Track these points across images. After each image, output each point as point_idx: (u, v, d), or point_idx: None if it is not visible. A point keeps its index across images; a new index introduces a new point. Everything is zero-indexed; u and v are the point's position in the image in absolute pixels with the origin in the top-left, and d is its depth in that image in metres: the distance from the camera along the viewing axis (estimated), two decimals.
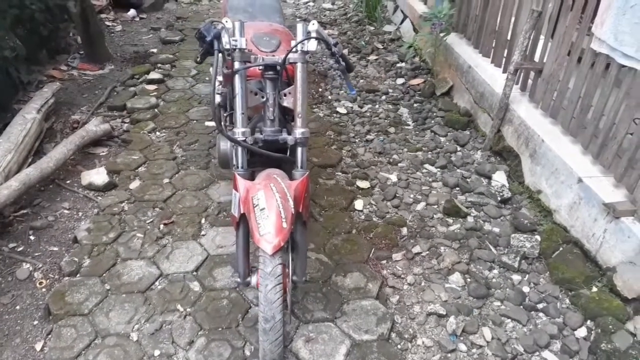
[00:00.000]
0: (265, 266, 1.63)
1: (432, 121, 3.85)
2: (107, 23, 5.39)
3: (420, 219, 2.86)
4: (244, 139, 1.84)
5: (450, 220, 2.87)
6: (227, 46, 1.78)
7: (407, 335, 2.18)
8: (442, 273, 2.51)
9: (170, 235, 2.63)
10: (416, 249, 2.63)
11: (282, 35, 2.31)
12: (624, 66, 2.50)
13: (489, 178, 3.24)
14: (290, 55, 1.82)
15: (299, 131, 1.87)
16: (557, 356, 2.13)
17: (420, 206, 2.96)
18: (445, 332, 2.21)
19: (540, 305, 2.37)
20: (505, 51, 3.66)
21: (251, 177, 1.88)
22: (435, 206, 2.97)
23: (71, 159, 3.14)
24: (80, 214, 2.81)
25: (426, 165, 3.34)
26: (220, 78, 3.02)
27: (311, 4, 6.48)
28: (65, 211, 2.81)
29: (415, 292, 2.40)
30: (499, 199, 3.03)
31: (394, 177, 3.19)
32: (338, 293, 2.34)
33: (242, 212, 1.78)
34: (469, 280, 2.48)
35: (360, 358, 2.03)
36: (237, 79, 1.82)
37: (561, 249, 2.62)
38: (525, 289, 2.45)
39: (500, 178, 3.22)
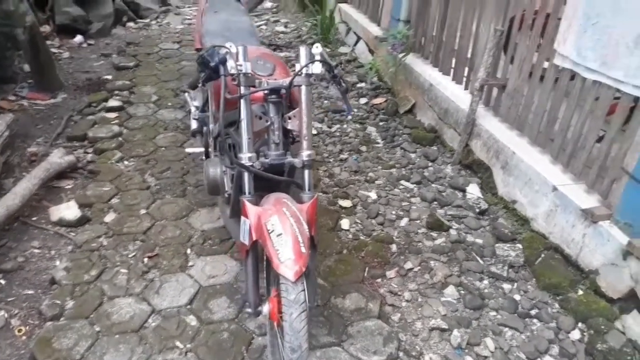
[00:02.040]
0: (288, 294, 1.59)
1: (400, 138, 3.93)
2: (53, 50, 5.14)
3: (406, 234, 2.90)
4: (251, 164, 1.80)
5: (434, 234, 2.92)
6: (233, 71, 1.75)
7: (415, 352, 2.18)
8: (437, 287, 2.54)
9: (156, 268, 2.51)
10: (408, 265, 2.66)
11: (274, 59, 2.29)
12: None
13: (463, 191, 3.34)
14: (296, 79, 1.81)
15: (305, 153, 1.86)
16: (558, 358, 2.20)
17: (404, 222, 3.00)
18: (450, 346, 2.23)
19: (533, 312, 2.45)
20: (466, 69, 3.83)
21: (256, 203, 1.84)
22: (418, 221, 3.02)
23: (34, 194, 2.94)
24: (52, 252, 2.62)
25: (402, 182, 3.40)
26: (196, 103, 2.97)
27: (264, 27, 6.50)
28: (36, 250, 2.62)
29: (414, 308, 2.41)
30: (477, 210, 3.13)
31: (373, 195, 3.22)
32: (340, 315, 2.31)
33: (254, 239, 1.73)
34: (462, 292, 2.53)
35: None
36: (242, 104, 1.78)
37: (543, 255, 2.74)
38: (517, 297, 2.53)
39: (474, 190, 3.32)
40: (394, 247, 2.78)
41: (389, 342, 2.20)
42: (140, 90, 4.40)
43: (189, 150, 2.78)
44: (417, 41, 4.44)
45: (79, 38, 5.48)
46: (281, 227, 1.66)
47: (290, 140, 2.01)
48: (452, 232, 2.95)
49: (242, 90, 1.78)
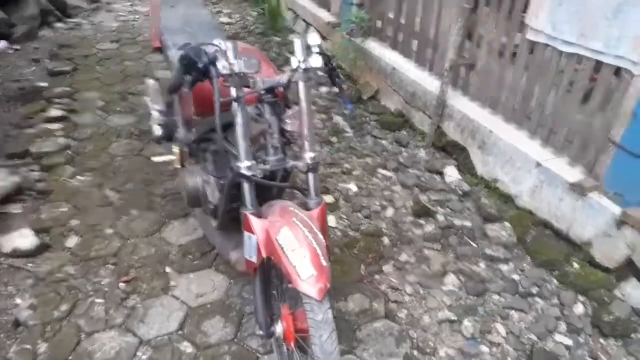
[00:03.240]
0: (314, 314, 1.42)
1: (369, 126, 3.82)
2: None
3: (395, 225, 2.79)
4: (252, 173, 1.61)
5: (422, 222, 2.84)
6: (225, 71, 1.54)
7: (429, 349, 2.08)
8: (436, 277, 2.46)
9: (135, 293, 2.26)
10: (403, 257, 2.56)
11: (256, 54, 2.09)
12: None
13: (441, 174, 3.27)
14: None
15: (308, 156, 1.69)
16: (567, 336, 2.17)
17: (389, 212, 2.90)
18: (462, 337, 2.15)
19: (534, 290, 2.42)
20: (430, 50, 3.75)
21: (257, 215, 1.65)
22: (404, 209, 2.92)
23: None
24: (10, 288, 2.31)
25: (379, 170, 3.29)
26: (157, 107, 2.71)
27: None
28: None
29: (418, 302, 2.31)
30: (460, 193, 3.07)
31: (353, 187, 3.09)
32: (346, 320, 2.17)
33: (264, 256, 1.55)
34: (462, 279, 2.46)
35: None
36: (237, 107, 1.58)
37: (533, 232, 2.71)
38: (516, 277, 2.49)
39: (452, 172, 3.26)
40: (385, 240, 2.66)
41: (401, 342, 2.09)
42: (82, 97, 4.02)
43: (156, 159, 2.53)
44: (374, 25, 4.32)
45: (2, 44, 4.95)
46: (295, 240, 1.49)
47: (286, 141, 1.83)
48: (439, 217, 2.88)
49: (235, 92, 1.58)
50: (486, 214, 2.88)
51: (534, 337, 2.16)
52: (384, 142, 3.63)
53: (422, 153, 3.49)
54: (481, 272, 2.50)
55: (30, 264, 2.43)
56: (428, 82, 3.68)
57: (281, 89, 1.66)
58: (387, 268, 2.48)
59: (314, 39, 1.64)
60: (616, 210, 2.38)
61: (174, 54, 2.37)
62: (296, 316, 1.66)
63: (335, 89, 1.81)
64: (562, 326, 2.22)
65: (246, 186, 1.64)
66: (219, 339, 2.06)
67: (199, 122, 2.17)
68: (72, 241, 2.54)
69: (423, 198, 3.03)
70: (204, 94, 1.66)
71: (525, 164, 2.85)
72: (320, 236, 1.55)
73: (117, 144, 3.40)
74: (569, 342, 2.13)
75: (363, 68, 4.33)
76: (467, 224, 2.83)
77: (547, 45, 2.74)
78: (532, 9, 2.77)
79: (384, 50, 4.20)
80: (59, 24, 5.63)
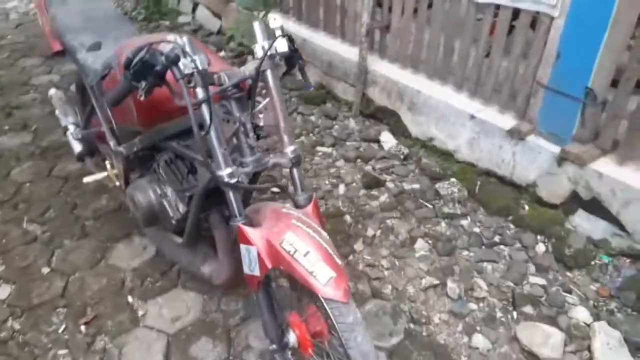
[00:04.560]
0: (344, 317, 1.34)
1: (292, 103, 3.70)
2: None
3: (350, 201, 2.76)
4: (236, 179, 1.46)
5: (375, 193, 2.83)
6: (187, 70, 1.35)
7: (423, 319, 2.10)
8: (406, 245, 2.48)
9: (102, 333, 2.00)
10: (369, 232, 2.53)
11: (198, 44, 1.86)
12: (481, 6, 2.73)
13: (378, 141, 3.28)
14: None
15: (290, 149, 1.56)
16: (538, 276, 2.31)
17: (342, 189, 2.85)
18: (449, 299, 2.19)
19: (496, 239, 2.53)
20: (339, 17, 3.68)
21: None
22: (354, 184, 2.89)
23: None
24: None
25: (318, 148, 3.21)
26: (71, 120, 2.39)
27: None
28: None
29: (398, 274, 2.31)
30: (401, 157, 3.10)
31: None
32: None
33: (269, 267, 1.42)
34: (430, 242, 2.50)
35: None
36: (206, 110, 1.40)
37: (479, 182, 2.82)
38: (476, 230, 2.58)
39: (388, 138, 3.28)
40: (347, 218, 2.62)
41: (396, 318, 2.08)
42: None
43: (88, 179, 2.22)
44: None
45: None
46: (302, 243, 1.38)
47: (256, 138, 1.67)
48: (389, 185, 2.89)
49: (201, 92, 1.39)
50: (431, 174, 2.95)
51: (511, 284, 2.26)
52: (312, 118, 3.54)
53: (352, 123, 3.46)
54: (445, 232, 2.56)
55: None
56: (343, 50, 3.63)
57: (249, 82, 1.50)
58: (358, 246, 2.45)
59: (276, 21, 1.49)
60: (554, 149, 2.54)
61: (86, 57, 2.07)
62: (308, 321, 1.56)
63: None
64: (532, 268, 2.35)
65: (232, 196, 1.48)
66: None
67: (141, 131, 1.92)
68: (4, 292, 2.18)
69: (368, 169, 3.02)
70: (150, 101, 1.45)
71: (459, 118, 2.93)
72: (324, 233, 1.46)
73: (19, 169, 2.95)
74: (542, 281, 2.26)
75: None
76: (416, 186, 2.87)
77: None
78: None
79: (287, 22, 4.06)
80: None
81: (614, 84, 2.36)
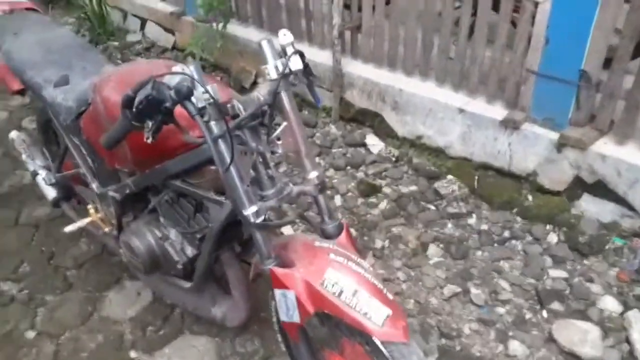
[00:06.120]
0: (407, 358, 1.20)
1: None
2: None
3: (350, 212, 2.62)
4: (263, 217, 1.29)
5: (374, 200, 2.71)
6: (200, 103, 1.17)
7: (454, 332, 1.99)
8: (418, 253, 2.36)
9: None
10: (378, 244, 2.41)
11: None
12: None
13: (364, 145, 3.16)
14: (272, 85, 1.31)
15: (313, 175, 1.41)
16: (558, 269, 2.24)
17: (338, 200, 2.71)
18: (475, 306, 2.09)
19: (506, 234, 2.45)
20: (304, 21, 3.53)
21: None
22: (350, 193, 2.76)
23: None
24: None
25: None
26: (39, 163, 2.14)
27: None
28: None
29: (416, 286, 2.20)
30: (393, 159, 2.99)
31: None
32: None
33: (311, 312, 1.26)
34: (442, 246, 2.39)
35: None
36: (224, 145, 1.22)
37: (477, 177, 2.75)
38: (485, 227, 2.50)
39: (374, 141, 3.17)
40: (352, 232, 2.48)
41: (427, 335, 1.96)
42: None
43: (70, 228, 1.98)
44: (228, 6, 3.94)
45: None
46: (347, 280, 1.23)
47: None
48: (386, 190, 2.78)
49: (216, 127, 1.22)
50: (426, 173, 2.85)
51: (532, 281, 2.19)
52: None
53: (333, 129, 3.33)
54: (454, 233, 2.47)
55: None
56: (312, 54, 3.47)
57: (265, 108, 1.33)
58: (369, 261, 2.31)
59: (286, 37, 1.34)
60: (552, 135, 2.48)
61: (54, 94, 1.84)
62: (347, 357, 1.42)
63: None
64: (548, 260, 2.28)
65: (259, 236, 1.32)
66: None
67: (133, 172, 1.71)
68: None
69: (360, 175, 2.89)
70: (142, 141, 1.28)
71: (447, 113, 2.84)
72: (366, 264, 1.32)
73: None
74: (563, 274, 2.20)
75: (232, 54, 3.96)
76: (414, 188, 2.77)
77: None
78: None
79: (248, 31, 3.89)
80: None
81: (606, 63, 2.33)
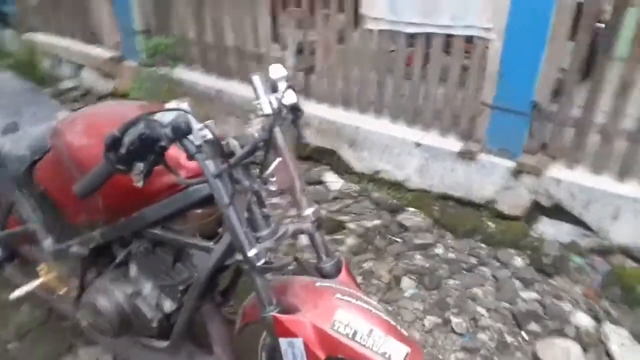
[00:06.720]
0: None
1: None
2: None
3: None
4: (265, 260, 1.21)
5: (340, 237, 2.67)
6: (197, 141, 1.10)
7: None
8: (393, 287, 2.33)
9: None
10: None
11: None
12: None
13: (321, 182, 3.14)
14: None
15: (310, 212, 1.35)
16: (528, 290, 2.29)
17: (304, 240, 2.64)
18: (457, 335, 2.08)
19: (473, 261, 2.49)
20: (254, 63, 3.54)
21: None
22: None
23: None
24: None
25: None
26: None
27: None
28: None
29: (395, 320, 2.15)
30: (353, 195, 2.99)
31: None
32: None
33: (323, 358, 1.18)
34: (414, 278, 2.38)
35: None
36: (221, 185, 1.15)
37: (437, 207, 2.80)
38: (452, 256, 2.53)
39: (332, 178, 3.17)
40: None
41: None
42: None
43: (18, 293, 1.77)
44: (174, 49, 3.88)
45: None
46: (360, 320, 1.17)
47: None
48: (351, 225, 2.75)
49: (213, 165, 1.15)
50: (388, 207, 2.87)
51: (507, 305, 2.21)
52: None
53: None
54: (424, 264, 2.47)
55: None
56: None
57: (261, 144, 1.28)
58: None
59: (278, 70, 1.31)
60: (508, 163, 2.60)
61: (1, 142, 1.69)
62: None
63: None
64: (518, 283, 2.33)
65: (260, 282, 1.23)
66: None
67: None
68: None
69: (323, 213, 2.86)
70: (119, 187, 1.19)
71: (404, 147, 2.91)
72: (374, 301, 1.27)
73: None
74: (534, 295, 2.25)
75: (178, 97, 3.87)
76: (378, 222, 2.77)
77: (389, 30, 2.81)
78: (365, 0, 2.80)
79: (194, 74, 3.86)
80: None
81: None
